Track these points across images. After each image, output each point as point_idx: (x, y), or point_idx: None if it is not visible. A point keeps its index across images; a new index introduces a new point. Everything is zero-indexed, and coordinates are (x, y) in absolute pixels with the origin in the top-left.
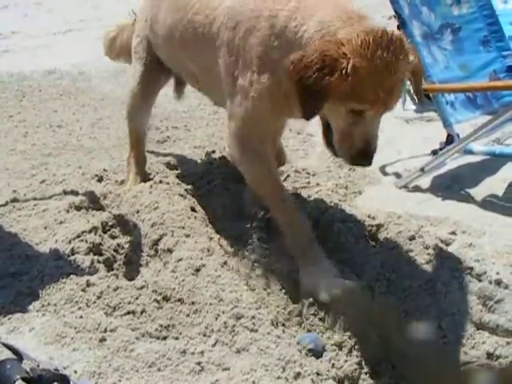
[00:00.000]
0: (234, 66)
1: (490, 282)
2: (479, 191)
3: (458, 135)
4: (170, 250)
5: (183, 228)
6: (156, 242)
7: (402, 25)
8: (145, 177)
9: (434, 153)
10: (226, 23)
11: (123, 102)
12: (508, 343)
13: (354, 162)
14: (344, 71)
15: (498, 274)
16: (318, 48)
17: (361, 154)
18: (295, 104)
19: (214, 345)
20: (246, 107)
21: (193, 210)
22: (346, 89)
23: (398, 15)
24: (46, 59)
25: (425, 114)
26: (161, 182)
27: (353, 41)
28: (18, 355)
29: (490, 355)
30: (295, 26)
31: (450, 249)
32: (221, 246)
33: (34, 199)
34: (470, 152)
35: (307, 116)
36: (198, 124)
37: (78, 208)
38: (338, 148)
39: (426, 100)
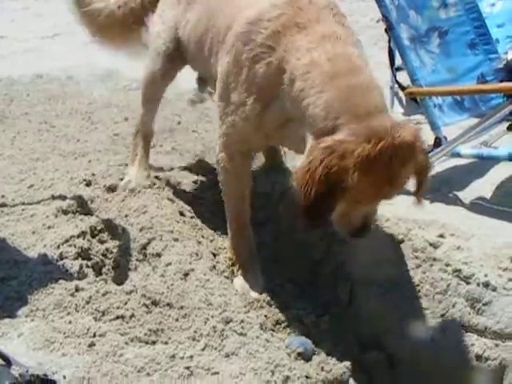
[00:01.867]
0: (233, 77)
1: (478, 285)
2: (467, 194)
3: (445, 138)
4: (158, 255)
5: (172, 232)
6: (145, 247)
7: (390, 28)
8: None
9: None
10: (240, 33)
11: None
12: (497, 345)
13: (351, 238)
14: (347, 185)
15: (486, 276)
16: (321, 160)
17: (358, 231)
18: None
19: (203, 349)
20: (233, 121)
21: (181, 214)
22: (349, 195)
23: (386, 18)
24: (34, 63)
25: (412, 117)
26: (149, 186)
27: (355, 154)
28: (7, 361)
29: (478, 357)
30: (303, 90)
31: (439, 251)
32: (210, 250)
33: (23, 204)
34: (458, 155)
35: (310, 225)
36: (186, 132)
37: (66, 213)
38: (335, 224)
39: (413, 103)
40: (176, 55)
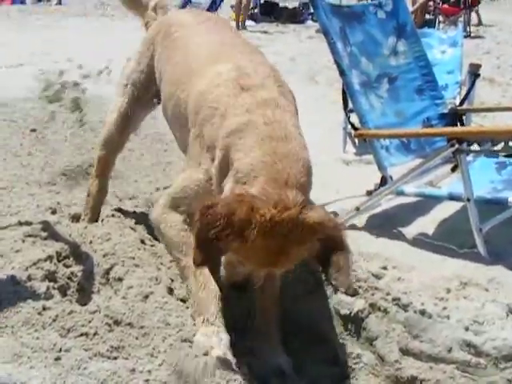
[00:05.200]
0: (190, 146)
1: (415, 312)
2: (410, 230)
3: (391, 177)
4: (120, 279)
5: (133, 258)
6: (107, 271)
7: (341, 74)
8: (99, 210)
9: (369, 193)
10: (193, 106)
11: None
12: (431, 368)
13: (232, 286)
14: (244, 238)
15: (422, 304)
16: (229, 204)
17: (239, 284)
18: None
19: (160, 364)
20: (185, 175)
21: (142, 242)
22: (239, 248)
23: (338, 64)
24: None
25: (363, 156)
26: (113, 215)
27: (263, 211)
28: None
29: (414, 379)
30: (235, 145)
31: (381, 282)
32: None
33: None
34: (402, 193)
35: (195, 263)
36: (150, 159)
37: (34, 238)
38: (222, 266)
39: (365, 144)
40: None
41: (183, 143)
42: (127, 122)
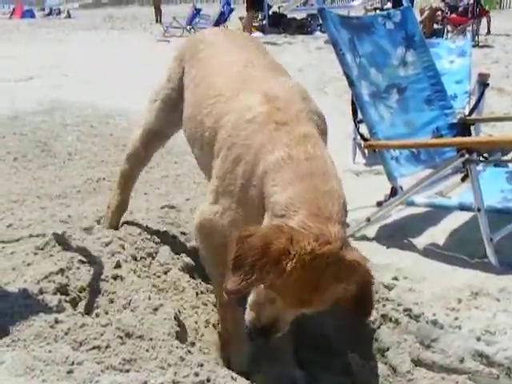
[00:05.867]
0: (219, 182)
1: (427, 323)
2: (421, 240)
3: (401, 188)
4: (130, 291)
5: (142, 272)
6: None
7: (351, 85)
8: (118, 223)
9: (379, 204)
10: (224, 140)
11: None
12: (443, 378)
13: (254, 333)
14: (281, 270)
15: (434, 315)
16: (267, 234)
17: (264, 330)
18: None
19: (172, 377)
20: (220, 219)
21: (152, 255)
22: (274, 280)
23: (347, 76)
24: (8, 105)
25: (373, 167)
26: (124, 228)
27: (300, 244)
28: None
29: None
30: (273, 180)
31: (392, 293)
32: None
33: (2, 242)
34: (413, 203)
35: (227, 292)
36: (159, 172)
37: (45, 251)
38: (247, 310)
39: (374, 154)
40: (169, 119)
41: (204, 164)
42: (154, 138)
